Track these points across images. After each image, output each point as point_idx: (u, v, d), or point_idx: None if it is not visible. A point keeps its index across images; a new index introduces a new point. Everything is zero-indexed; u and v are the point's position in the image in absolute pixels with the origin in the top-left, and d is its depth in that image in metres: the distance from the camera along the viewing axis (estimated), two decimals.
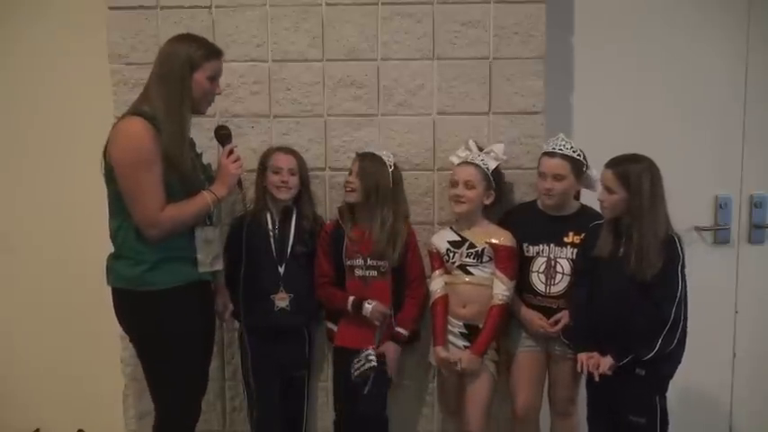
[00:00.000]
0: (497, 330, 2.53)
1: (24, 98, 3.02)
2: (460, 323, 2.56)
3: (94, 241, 2.81)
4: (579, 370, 2.36)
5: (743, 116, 3.00)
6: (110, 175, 2.15)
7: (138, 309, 2.21)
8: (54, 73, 2.99)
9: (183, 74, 2.16)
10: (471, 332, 2.54)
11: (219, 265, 2.35)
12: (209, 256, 2.29)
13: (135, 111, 2.16)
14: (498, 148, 2.58)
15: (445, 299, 2.57)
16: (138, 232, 2.15)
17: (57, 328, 3.09)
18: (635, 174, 2.25)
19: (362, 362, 2.49)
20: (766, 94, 2.98)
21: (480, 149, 2.58)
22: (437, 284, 2.59)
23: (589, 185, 2.52)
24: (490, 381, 2.57)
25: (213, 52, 2.24)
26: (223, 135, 2.35)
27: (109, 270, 2.24)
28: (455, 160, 2.59)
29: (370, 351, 2.51)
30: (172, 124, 2.13)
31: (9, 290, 3.11)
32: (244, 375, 2.65)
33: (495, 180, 2.55)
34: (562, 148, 2.46)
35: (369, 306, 2.54)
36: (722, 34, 2.97)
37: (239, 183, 2.32)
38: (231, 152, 2.30)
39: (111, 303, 2.24)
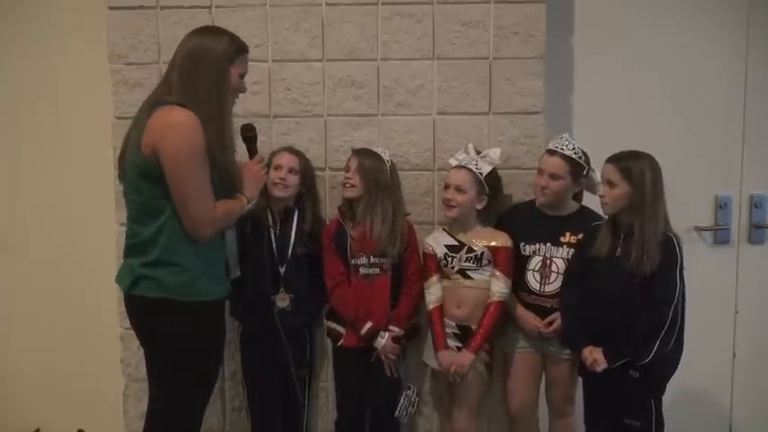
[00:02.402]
0: (494, 327, 2.53)
1: (24, 98, 3.02)
2: (453, 324, 2.56)
3: (94, 241, 2.81)
4: (588, 366, 2.34)
5: (743, 116, 3.00)
6: (148, 173, 1.97)
7: (179, 319, 2.01)
8: (54, 73, 2.98)
9: (222, 67, 2.04)
10: (463, 333, 2.54)
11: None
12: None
13: (169, 101, 1.98)
14: (494, 153, 2.56)
15: (441, 307, 2.56)
16: (183, 235, 1.99)
17: (56, 328, 3.09)
18: (637, 168, 2.26)
19: (407, 404, 2.57)
20: (766, 93, 2.98)
21: (478, 153, 2.57)
22: (434, 293, 2.57)
23: (590, 188, 2.51)
24: (480, 382, 2.58)
25: (244, 47, 2.13)
26: (251, 137, 2.27)
27: (139, 277, 2.01)
28: (453, 163, 2.59)
29: (410, 392, 2.58)
30: (216, 120, 2.00)
31: (8, 290, 3.11)
32: (244, 375, 2.65)
33: (493, 184, 2.55)
34: (564, 148, 2.45)
35: (382, 340, 2.52)
36: (722, 34, 2.97)
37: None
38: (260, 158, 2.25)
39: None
